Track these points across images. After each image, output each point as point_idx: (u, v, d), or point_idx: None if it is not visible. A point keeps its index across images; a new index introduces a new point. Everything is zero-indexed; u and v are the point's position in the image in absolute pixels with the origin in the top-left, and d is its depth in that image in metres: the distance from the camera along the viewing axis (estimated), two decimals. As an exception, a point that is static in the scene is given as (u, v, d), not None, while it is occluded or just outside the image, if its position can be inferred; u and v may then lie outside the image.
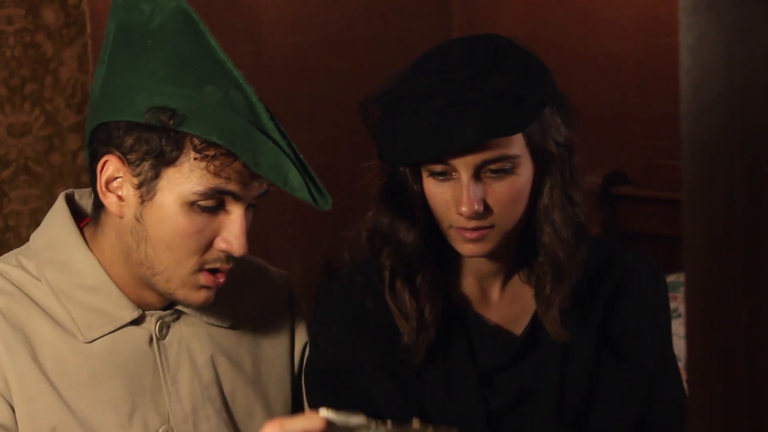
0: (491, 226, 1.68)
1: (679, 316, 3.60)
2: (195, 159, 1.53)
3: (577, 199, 1.74)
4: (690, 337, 0.85)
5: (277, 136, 1.54)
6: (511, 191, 1.68)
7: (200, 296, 1.60)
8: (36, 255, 1.63)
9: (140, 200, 1.56)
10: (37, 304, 1.60)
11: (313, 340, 1.78)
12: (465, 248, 1.70)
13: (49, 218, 1.67)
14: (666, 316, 1.85)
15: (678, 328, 3.58)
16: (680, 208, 0.85)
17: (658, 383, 1.81)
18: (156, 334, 1.63)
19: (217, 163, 1.53)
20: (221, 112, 1.53)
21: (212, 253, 1.58)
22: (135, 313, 1.62)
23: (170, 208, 1.55)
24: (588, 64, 4.55)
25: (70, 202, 1.69)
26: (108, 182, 1.57)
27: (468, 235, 1.68)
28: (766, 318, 0.81)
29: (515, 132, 1.65)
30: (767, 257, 0.80)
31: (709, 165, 0.82)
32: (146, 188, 1.56)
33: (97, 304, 1.60)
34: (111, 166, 1.57)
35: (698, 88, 0.81)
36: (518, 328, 1.78)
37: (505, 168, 1.67)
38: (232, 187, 1.55)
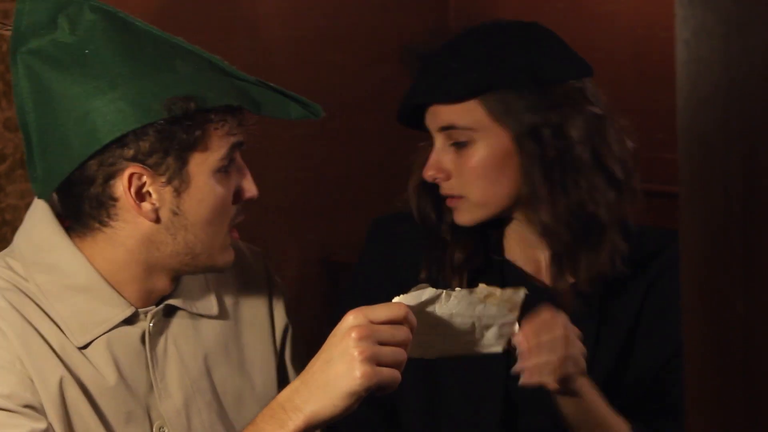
0: (461, 196, 1.77)
1: (676, 309, 3.60)
2: (215, 129, 1.56)
3: (583, 185, 1.76)
4: (687, 330, 0.85)
5: (245, 76, 1.59)
6: (469, 163, 1.76)
7: (231, 255, 1.64)
8: (22, 257, 1.61)
9: (176, 194, 1.57)
10: (34, 302, 1.58)
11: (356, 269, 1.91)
12: (452, 216, 1.81)
13: (30, 219, 1.64)
14: None
15: (675, 322, 3.58)
16: (677, 201, 0.85)
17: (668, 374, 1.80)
18: (149, 330, 1.62)
19: (229, 124, 1.57)
20: (209, 77, 1.56)
21: (236, 209, 1.63)
22: (128, 311, 1.61)
23: (206, 185, 1.58)
24: (585, 57, 4.55)
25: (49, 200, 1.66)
26: (137, 194, 1.56)
27: (447, 202, 1.79)
28: (762, 311, 0.81)
29: (441, 100, 1.77)
30: (764, 250, 0.80)
31: (706, 158, 0.82)
32: (178, 180, 1.56)
33: (88, 304, 1.59)
34: (135, 179, 1.56)
35: (695, 81, 0.81)
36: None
37: (459, 138, 1.77)
38: (240, 138, 1.59)
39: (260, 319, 1.75)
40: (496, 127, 1.76)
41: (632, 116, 5.01)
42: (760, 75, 0.79)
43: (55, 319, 1.57)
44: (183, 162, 1.55)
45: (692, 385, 0.85)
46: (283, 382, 1.75)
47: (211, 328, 1.69)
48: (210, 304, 1.69)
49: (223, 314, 1.71)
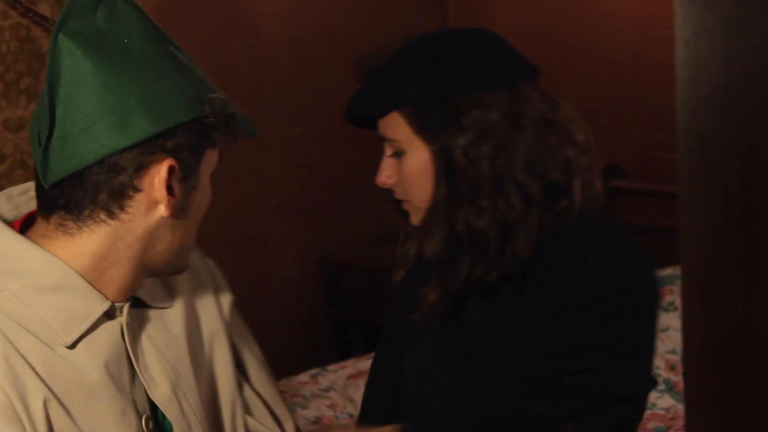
0: (407, 201, 1.91)
1: (675, 309, 3.60)
2: (224, 132, 1.58)
3: (482, 201, 1.83)
4: (687, 329, 0.85)
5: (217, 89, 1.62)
6: (404, 172, 1.88)
7: None
8: None
9: (187, 191, 1.57)
10: (10, 317, 1.55)
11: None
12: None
13: None
14: (569, 305, 1.83)
15: (675, 321, 3.58)
16: (677, 201, 0.85)
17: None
18: (126, 324, 1.62)
19: (227, 130, 1.59)
20: (209, 84, 1.58)
21: None
22: (105, 304, 1.60)
23: (207, 185, 1.60)
24: (584, 58, 4.54)
25: None
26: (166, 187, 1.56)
27: (402, 205, 1.93)
28: (762, 311, 0.81)
29: (363, 114, 1.91)
30: (764, 249, 0.80)
31: (705, 158, 0.82)
32: (193, 178, 1.57)
33: (67, 302, 1.57)
34: (169, 172, 1.55)
35: (694, 81, 0.81)
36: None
37: (394, 148, 1.89)
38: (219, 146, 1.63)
39: (209, 302, 1.77)
40: (418, 141, 1.86)
41: (632, 116, 5.00)
42: (760, 75, 0.79)
43: (35, 329, 1.55)
44: (199, 161, 1.57)
45: (692, 385, 0.85)
46: (234, 357, 1.77)
47: (174, 318, 1.70)
48: (166, 297, 1.71)
49: (179, 304, 1.72)
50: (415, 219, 1.91)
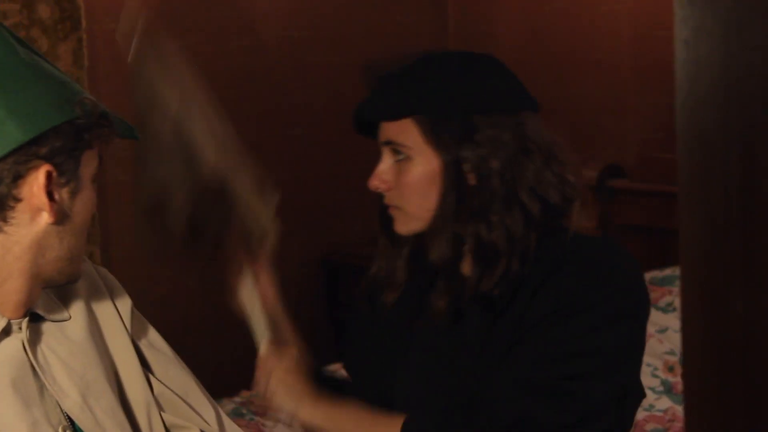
0: (399, 207, 1.93)
1: (674, 310, 3.60)
2: (99, 133, 1.58)
3: (492, 216, 1.87)
4: (686, 330, 0.85)
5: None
6: (405, 178, 1.91)
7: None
8: None
9: (71, 195, 1.57)
10: None
11: None
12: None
13: None
14: (559, 310, 1.85)
15: (673, 322, 3.58)
16: (676, 201, 0.85)
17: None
18: (27, 339, 1.61)
19: (105, 133, 1.59)
20: (75, 87, 1.58)
21: None
22: (2, 321, 1.60)
23: (89, 189, 1.59)
24: (584, 57, 4.54)
25: None
26: (47, 193, 1.56)
27: (389, 211, 1.95)
28: (762, 311, 0.81)
29: (378, 118, 1.94)
30: (763, 249, 0.80)
31: (705, 158, 0.82)
32: (74, 182, 1.57)
33: None
34: (47, 178, 1.55)
35: (694, 80, 0.81)
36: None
37: (399, 152, 1.91)
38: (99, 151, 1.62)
39: (107, 309, 1.76)
40: (428, 150, 1.89)
41: (632, 116, 4.99)
42: (760, 75, 0.79)
43: None
44: (77, 164, 1.56)
45: (692, 385, 0.85)
46: (140, 358, 1.76)
47: (74, 328, 1.69)
48: (63, 310, 1.70)
49: (78, 314, 1.71)
50: (400, 226, 1.94)
